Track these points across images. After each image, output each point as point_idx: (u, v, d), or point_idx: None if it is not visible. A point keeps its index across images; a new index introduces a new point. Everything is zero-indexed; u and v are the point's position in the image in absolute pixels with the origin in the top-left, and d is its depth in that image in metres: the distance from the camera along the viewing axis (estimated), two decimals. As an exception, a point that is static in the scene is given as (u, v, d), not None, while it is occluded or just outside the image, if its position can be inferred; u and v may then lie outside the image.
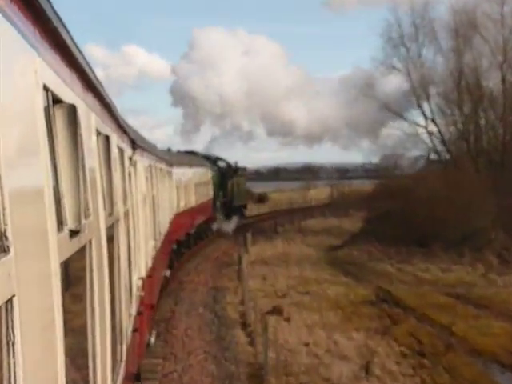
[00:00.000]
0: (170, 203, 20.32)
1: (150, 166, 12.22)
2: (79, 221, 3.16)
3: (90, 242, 3.70)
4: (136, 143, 9.64)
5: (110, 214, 5.19)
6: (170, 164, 22.79)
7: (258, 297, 20.48)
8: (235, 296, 21.83)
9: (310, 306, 20.97)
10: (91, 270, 3.77)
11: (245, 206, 52.19)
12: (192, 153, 39.70)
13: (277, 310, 19.19)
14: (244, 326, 17.59)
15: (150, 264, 10.97)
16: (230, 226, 44.02)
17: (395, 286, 25.89)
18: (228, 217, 44.04)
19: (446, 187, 35.00)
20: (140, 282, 9.17)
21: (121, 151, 7.40)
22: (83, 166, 3.48)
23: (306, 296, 22.69)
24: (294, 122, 69.81)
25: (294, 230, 46.98)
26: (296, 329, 17.80)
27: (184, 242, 27.60)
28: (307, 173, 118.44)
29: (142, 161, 10.82)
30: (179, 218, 24.38)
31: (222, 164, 45.22)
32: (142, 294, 9.18)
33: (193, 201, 29.22)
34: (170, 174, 21.32)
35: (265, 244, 38.23)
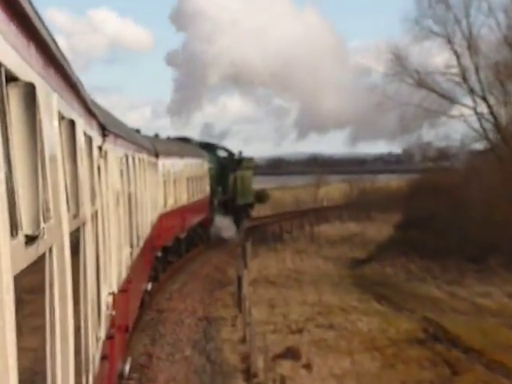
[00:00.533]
0: (153, 201, 20.57)
1: (126, 156, 12.45)
2: (37, 224, 3.23)
3: (51, 249, 3.78)
4: (107, 129, 9.80)
5: (75, 216, 5.30)
6: (155, 154, 23.04)
7: (266, 332, 18.99)
8: (234, 330, 20.38)
9: (337, 347, 19.29)
10: (51, 285, 3.85)
11: (251, 206, 52.42)
12: (185, 140, 39.93)
13: (292, 353, 17.64)
14: (247, 375, 15.93)
15: (124, 276, 11.18)
16: (230, 229, 44.19)
17: (448, 316, 23.72)
18: (228, 218, 44.28)
19: (506, 184, 33.82)
20: (110, 299, 9.33)
21: (88, 139, 7.49)
22: (42, 158, 3.56)
23: (329, 331, 20.92)
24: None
25: (304, 237, 45.57)
26: (320, 381, 16.29)
27: (172, 249, 27.93)
28: (315, 165, 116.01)
29: (115, 150, 11.00)
30: (166, 220, 24.63)
31: (222, 154, 45.56)
32: (113, 312, 9.37)
33: (184, 198, 29.47)
34: (154, 165, 21.56)
35: (268, 256, 36.94)
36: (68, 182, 4.99)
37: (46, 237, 3.52)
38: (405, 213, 43.21)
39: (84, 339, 5.90)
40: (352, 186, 70.20)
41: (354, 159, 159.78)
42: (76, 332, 4.92)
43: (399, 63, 42.80)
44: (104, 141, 9.58)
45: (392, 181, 71.91)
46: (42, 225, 3.40)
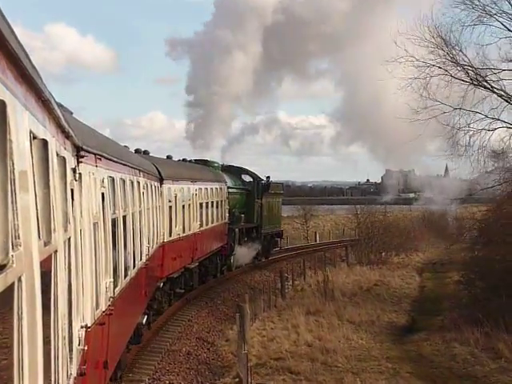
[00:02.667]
0: (154, 228, 20.75)
1: (111, 179, 12.58)
2: (6, 252, 3.38)
3: (20, 279, 3.89)
4: (84, 149, 10.00)
5: (46, 244, 5.43)
6: (159, 177, 23.46)
7: None
8: None
9: None
10: (19, 316, 3.95)
11: (278, 235, 52.78)
12: (205, 162, 40.46)
13: None
14: None
15: (102, 308, 11.28)
16: (249, 259, 44.63)
17: None
18: (251, 247, 44.65)
19: None
20: (83, 333, 9.44)
21: (62, 161, 7.73)
22: (12, 181, 3.67)
23: None
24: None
25: (311, 288, 38.20)
26: None
27: (179, 280, 28.33)
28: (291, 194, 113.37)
29: (97, 172, 11.17)
30: (171, 248, 24.85)
31: (246, 178, 46.00)
32: (85, 348, 9.47)
33: (195, 226, 29.78)
34: (156, 190, 21.91)
35: (271, 318, 29.45)
36: (39, 207, 5.13)
37: (14, 265, 3.64)
38: (472, 260, 34.54)
39: (54, 376, 5.96)
40: (359, 217, 59.15)
41: (335, 188, 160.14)
42: (46, 367, 5.08)
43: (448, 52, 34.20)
44: (79, 162, 9.79)
45: (404, 212, 71.51)
46: (11, 252, 3.55)
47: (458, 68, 33.77)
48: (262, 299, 31.85)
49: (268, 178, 49.79)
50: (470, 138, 33.49)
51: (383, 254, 52.71)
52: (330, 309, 31.49)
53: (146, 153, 25.97)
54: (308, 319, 29.11)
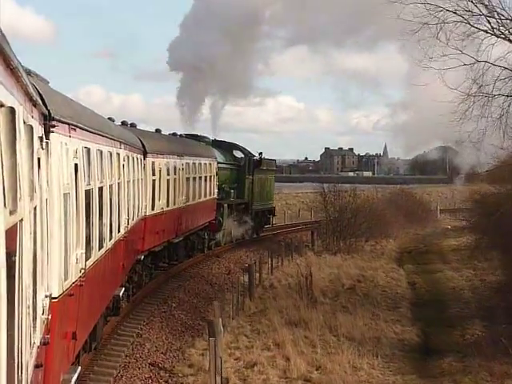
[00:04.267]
0: (135, 200, 20.82)
1: (86, 149, 12.62)
2: None
3: None
4: (55, 118, 10.08)
5: (12, 213, 5.48)
6: (143, 151, 23.65)
7: None
8: None
9: None
10: None
11: (270, 212, 52.96)
12: (195, 137, 40.57)
13: None
14: None
15: (73, 279, 11.36)
16: (239, 233, 44.87)
17: None
18: (241, 223, 44.95)
19: None
20: (47, 302, 9.51)
21: (29, 129, 7.78)
22: None
23: None
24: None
25: (281, 284, 31.72)
26: None
27: (162, 254, 28.54)
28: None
29: (70, 143, 11.20)
30: (154, 222, 25.00)
31: (238, 154, 46.11)
32: (49, 317, 9.60)
33: (181, 200, 30.02)
34: (139, 162, 22.06)
35: (245, 333, 22.81)
36: (5, 175, 5.15)
37: None
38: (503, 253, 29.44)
39: (17, 344, 6.01)
40: (326, 196, 48.78)
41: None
42: (9, 336, 5.14)
43: None
44: (50, 131, 9.91)
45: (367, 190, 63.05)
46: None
47: (478, 16, 27.74)
48: (229, 303, 25.33)
49: (260, 154, 49.94)
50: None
51: (353, 240, 45.50)
52: (318, 317, 24.56)
53: (132, 125, 26.08)
54: (294, 333, 22.49)
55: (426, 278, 36.35)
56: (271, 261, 35.28)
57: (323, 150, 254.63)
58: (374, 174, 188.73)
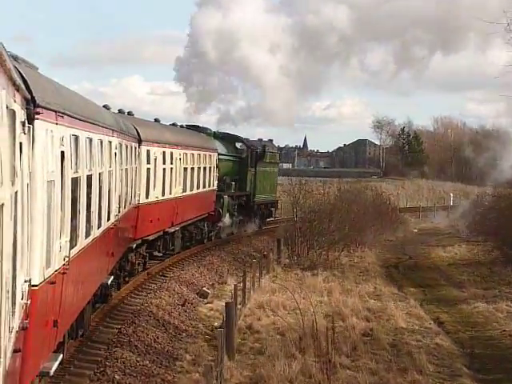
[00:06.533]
0: (128, 189, 20.93)
1: (74, 136, 12.67)
2: None
3: None
4: (40, 104, 10.13)
5: None
6: (138, 139, 23.81)
7: None
8: None
9: None
10: None
11: (273, 205, 53.11)
12: (196, 128, 40.62)
13: None
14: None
15: (56, 266, 11.43)
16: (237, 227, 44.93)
17: None
18: (241, 215, 45.12)
19: None
20: (26, 287, 9.58)
21: (11, 114, 8.00)
22: None
23: None
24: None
25: (266, 329, 21.96)
26: None
27: (156, 243, 28.54)
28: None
29: (56, 130, 11.28)
30: (148, 211, 25.10)
31: (239, 145, 46.19)
32: (28, 302, 9.67)
33: (178, 190, 30.11)
34: (133, 151, 22.20)
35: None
36: None
37: None
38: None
39: None
40: (296, 195, 40.79)
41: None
42: None
43: None
44: (33, 117, 9.91)
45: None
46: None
47: None
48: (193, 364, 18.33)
49: (264, 146, 50.20)
50: None
51: (326, 251, 37.18)
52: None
53: (129, 114, 26.29)
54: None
55: (453, 314, 27.59)
56: (244, 281, 24.98)
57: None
58: (293, 166, 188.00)
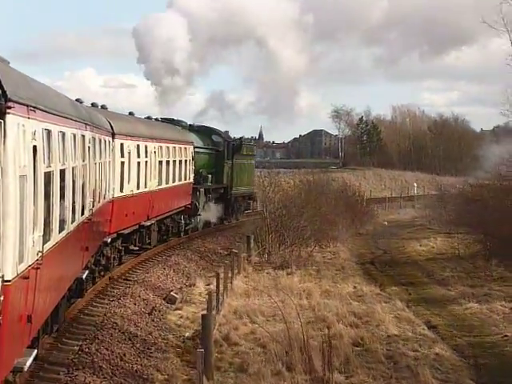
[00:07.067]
0: (102, 183, 20.90)
1: (46, 131, 12.68)
2: None
3: None
4: (11, 99, 10.05)
5: None
6: (111, 133, 23.72)
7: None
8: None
9: None
10: None
11: (250, 198, 53.21)
12: (171, 121, 40.69)
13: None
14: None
15: (29, 261, 11.43)
16: (214, 218, 44.99)
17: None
18: (217, 207, 45.16)
19: None
20: None
21: None
22: None
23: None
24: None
25: (246, 339, 19.69)
26: None
27: (132, 237, 28.47)
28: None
29: (28, 124, 11.28)
30: (122, 205, 25.05)
31: (216, 138, 46.32)
32: (1, 298, 9.69)
33: (153, 183, 30.10)
34: (107, 145, 22.14)
35: None
36: None
37: None
38: None
39: None
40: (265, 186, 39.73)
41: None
42: None
43: None
44: (4, 112, 9.89)
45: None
46: None
47: None
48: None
49: (240, 138, 50.48)
50: None
51: (297, 247, 34.88)
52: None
53: (103, 107, 26.24)
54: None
55: (444, 317, 25.35)
56: (218, 285, 22.56)
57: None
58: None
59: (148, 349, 18.36)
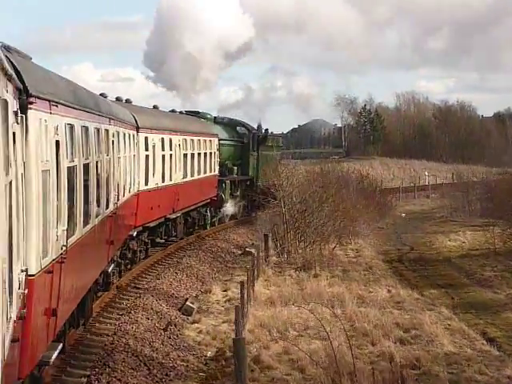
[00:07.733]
0: (127, 176, 21.00)
1: (69, 126, 12.69)
2: None
3: None
4: (33, 94, 10.15)
5: None
6: (136, 127, 23.82)
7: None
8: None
9: None
10: None
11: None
12: (196, 114, 40.77)
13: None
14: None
15: (53, 255, 11.48)
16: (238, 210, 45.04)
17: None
18: (243, 200, 45.22)
19: None
20: (23, 277, 9.63)
21: (4, 103, 8.03)
22: None
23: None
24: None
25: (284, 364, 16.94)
26: None
27: (158, 230, 28.58)
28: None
29: (51, 119, 11.31)
30: (148, 198, 25.16)
31: (241, 130, 46.37)
32: (25, 291, 9.71)
33: (178, 176, 30.22)
34: (131, 138, 22.25)
35: None
36: None
37: None
38: None
39: None
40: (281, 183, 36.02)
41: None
42: None
43: None
44: (26, 107, 9.97)
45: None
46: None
47: None
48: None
49: (266, 130, 50.59)
50: None
51: (319, 244, 32.55)
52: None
53: (127, 101, 26.36)
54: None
55: (501, 327, 23.17)
56: (242, 296, 19.78)
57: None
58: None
59: (166, 375, 15.95)
